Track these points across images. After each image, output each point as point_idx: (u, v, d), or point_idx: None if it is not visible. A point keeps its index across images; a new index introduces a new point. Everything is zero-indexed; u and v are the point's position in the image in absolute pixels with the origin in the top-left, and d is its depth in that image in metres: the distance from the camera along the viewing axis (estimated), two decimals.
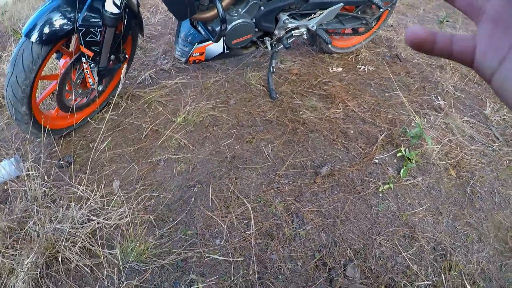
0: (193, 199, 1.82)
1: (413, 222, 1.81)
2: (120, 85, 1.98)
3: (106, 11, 1.74)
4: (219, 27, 1.90)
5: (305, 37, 2.36)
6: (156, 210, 1.77)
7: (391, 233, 1.75)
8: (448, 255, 1.69)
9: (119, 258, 1.55)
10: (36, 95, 1.92)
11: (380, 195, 1.90)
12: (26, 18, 3.72)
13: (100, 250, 1.57)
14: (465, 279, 1.62)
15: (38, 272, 1.50)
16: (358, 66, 2.81)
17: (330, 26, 2.45)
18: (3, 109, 2.43)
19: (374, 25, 2.67)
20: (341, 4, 2.25)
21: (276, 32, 2.23)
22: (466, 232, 1.81)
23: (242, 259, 1.60)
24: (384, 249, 1.69)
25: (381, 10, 2.44)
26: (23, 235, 1.58)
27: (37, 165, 1.88)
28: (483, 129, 2.42)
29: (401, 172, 1.98)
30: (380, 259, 1.65)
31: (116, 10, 1.75)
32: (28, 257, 1.49)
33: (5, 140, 2.19)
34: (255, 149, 2.09)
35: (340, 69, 2.74)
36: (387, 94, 2.57)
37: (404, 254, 1.67)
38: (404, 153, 2.04)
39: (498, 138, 2.35)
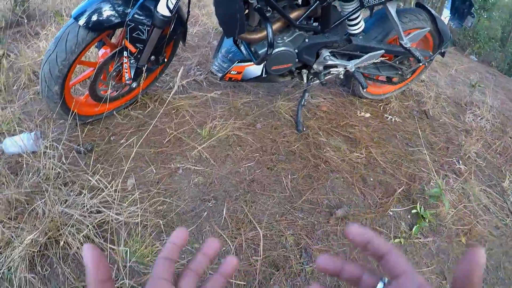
0: (205, 213, 1.81)
1: None
2: (175, 87, 2.01)
3: (157, 12, 1.78)
4: (264, 50, 1.91)
5: (342, 77, 2.38)
6: (167, 217, 1.75)
7: None
8: None
9: (122, 256, 1.52)
10: (71, 78, 1.94)
11: None
12: (69, 2, 3.78)
13: (106, 243, 1.55)
14: None
15: (36, 250, 1.47)
16: (386, 115, 2.83)
17: (367, 70, 2.48)
18: (32, 83, 2.44)
19: (408, 77, 2.69)
20: (383, 51, 2.28)
21: (315, 66, 2.26)
22: None
23: (245, 283, 1.57)
24: None
25: (420, 63, 2.47)
26: (29, 210, 1.56)
27: (56, 144, 1.87)
28: (499, 201, 2.40)
29: (414, 229, 1.96)
30: None
31: (167, 13, 1.78)
32: (30, 234, 1.46)
33: (28, 114, 2.20)
34: (275, 177, 2.08)
35: (368, 114, 2.76)
36: (411, 148, 2.57)
37: None
38: (419, 211, 2.02)
39: None
